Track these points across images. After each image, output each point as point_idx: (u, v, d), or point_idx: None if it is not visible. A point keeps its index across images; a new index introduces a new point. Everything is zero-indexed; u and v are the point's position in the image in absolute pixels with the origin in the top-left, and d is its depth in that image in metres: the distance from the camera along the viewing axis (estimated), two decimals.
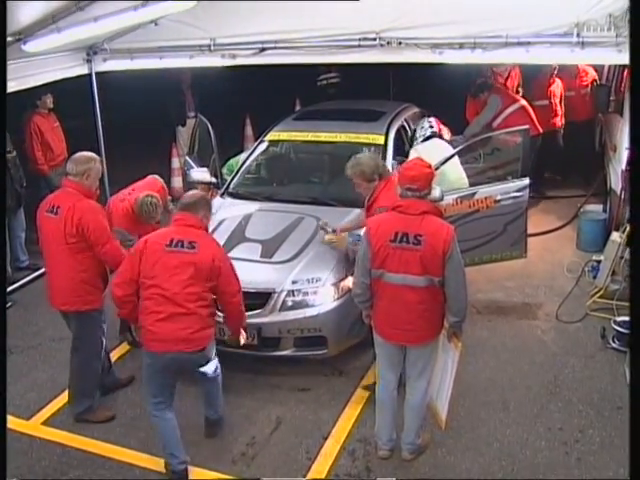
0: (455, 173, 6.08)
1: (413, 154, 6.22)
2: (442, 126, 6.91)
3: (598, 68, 8.90)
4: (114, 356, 5.33)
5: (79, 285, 4.45)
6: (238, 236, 5.48)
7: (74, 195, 4.39)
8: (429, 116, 6.63)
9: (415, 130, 6.46)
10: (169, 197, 5.97)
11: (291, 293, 4.97)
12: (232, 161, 7.27)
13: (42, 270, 7.04)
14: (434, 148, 6.22)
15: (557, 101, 8.61)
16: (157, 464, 4.27)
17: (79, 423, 4.70)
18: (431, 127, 6.38)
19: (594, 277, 6.21)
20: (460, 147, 6.29)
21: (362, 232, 4.71)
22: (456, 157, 6.09)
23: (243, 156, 7.17)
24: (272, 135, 6.73)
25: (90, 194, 4.47)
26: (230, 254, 5.27)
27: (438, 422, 4.27)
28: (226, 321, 4.41)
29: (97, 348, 4.66)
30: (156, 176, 5.91)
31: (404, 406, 4.20)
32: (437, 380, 4.20)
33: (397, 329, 3.99)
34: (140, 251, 4.02)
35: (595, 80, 8.87)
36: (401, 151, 6.44)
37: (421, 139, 6.30)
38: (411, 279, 3.84)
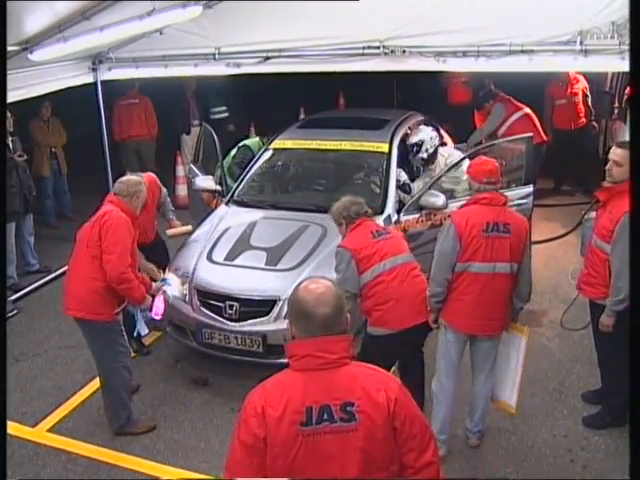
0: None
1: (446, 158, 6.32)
2: (444, 133, 6.92)
3: (602, 75, 8.93)
4: None
5: (92, 294, 4.34)
6: (243, 244, 5.49)
7: (115, 208, 4.40)
8: (427, 125, 6.52)
9: (422, 141, 6.24)
10: (168, 199, 5.97)
11: None
12: (225, 162, 7.04)
13: (50, 276, 7.15)
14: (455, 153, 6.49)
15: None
16: (161, 471, 4.28)
17: (85, 431, 4.71)
18: (440, 137, 6.43)
19: None
20: (466, 154, 6.30)
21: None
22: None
23: (233, 152, 7.18)
24: (277, 143, 6.73)
25: (132, 215, 4.46)
26: (235, 262, 5.33)
27: (507, 410, 4.35)
28: None
29: (117, 357, 4.51)
30: (151, 174, 5.86)
31: (475, 397, 4.31)
32: (499, 370, 4.30)
33: (483, 320, 4.08)
34: None
35: (586, 88, 8.90)
36: (405, 159, 6.45)
37: (432, 149, 6.24)
38: (501, 266, 4.00)
